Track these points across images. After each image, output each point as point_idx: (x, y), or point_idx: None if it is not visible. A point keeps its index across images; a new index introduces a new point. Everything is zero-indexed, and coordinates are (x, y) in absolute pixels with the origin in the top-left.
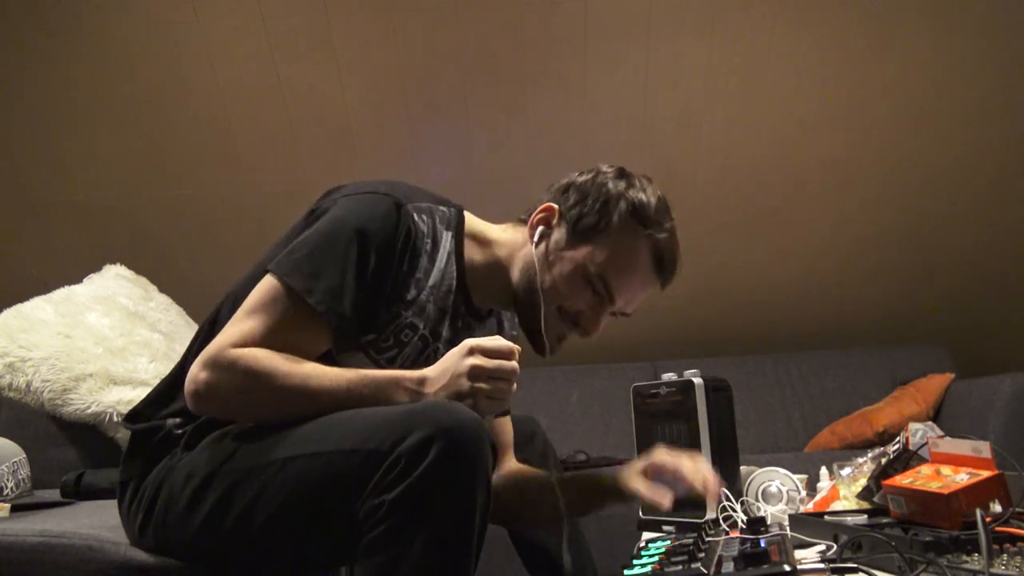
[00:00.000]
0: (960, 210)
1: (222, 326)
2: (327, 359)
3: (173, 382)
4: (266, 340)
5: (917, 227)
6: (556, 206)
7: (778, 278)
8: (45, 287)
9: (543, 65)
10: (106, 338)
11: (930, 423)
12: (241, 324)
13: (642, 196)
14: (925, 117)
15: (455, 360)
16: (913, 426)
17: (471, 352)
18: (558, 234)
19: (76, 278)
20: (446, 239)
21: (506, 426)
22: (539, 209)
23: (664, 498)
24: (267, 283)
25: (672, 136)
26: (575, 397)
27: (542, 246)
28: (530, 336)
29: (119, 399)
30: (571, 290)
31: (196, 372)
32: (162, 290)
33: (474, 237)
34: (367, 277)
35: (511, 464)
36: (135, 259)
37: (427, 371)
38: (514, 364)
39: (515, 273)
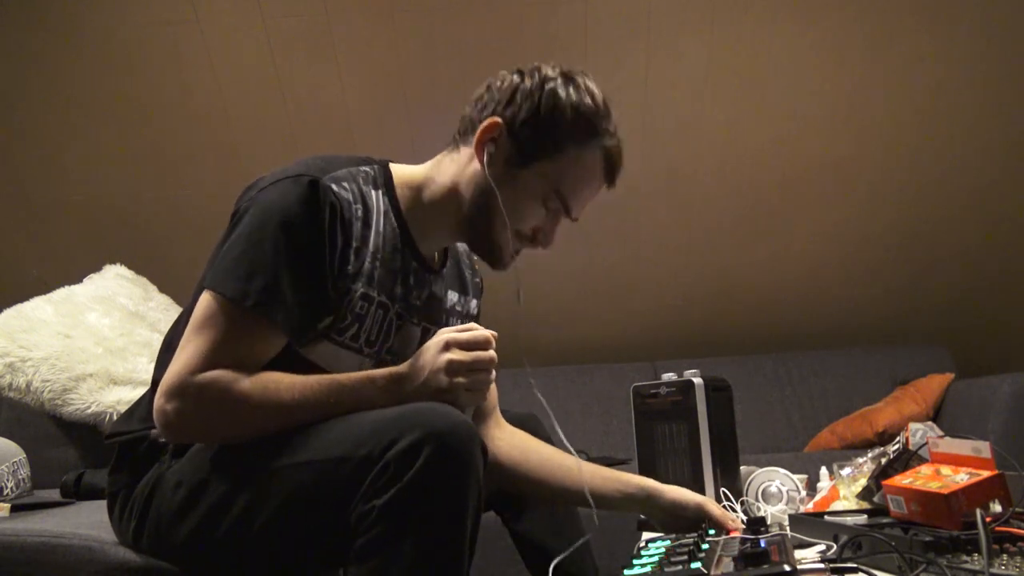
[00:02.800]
0: (960, 210)
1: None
2: (289, 355)
3: (153, 393)
4: (221, 355)
5: (917, 227)
6: (500, 120)
7: (778, 278)
8: (45, 287)
9: None
10: (106, 338)
11: (930, 423)
12: (193, 346)
13: (589, 101)
14: (925, 117)
15: (431, 356)
16: (913, 426)
17: (447, 347)
18: (506, 150)
19: (76, 278)
20: (377, 199)
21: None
22: (483, 127)
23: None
24: (204, 299)
25: (672, 136)
26: (575, 397)
27: (490, 163)
28: (485, 253)
29: (119, 399)
30: (527, 208)
31: (162, 404)
32: (162, 290)
33: (407, 186)
34: (302, 265)
35: (508, 428)
36: (135, 259)
37: (401, 368)
38: (491, 354)
39: (465, 199)
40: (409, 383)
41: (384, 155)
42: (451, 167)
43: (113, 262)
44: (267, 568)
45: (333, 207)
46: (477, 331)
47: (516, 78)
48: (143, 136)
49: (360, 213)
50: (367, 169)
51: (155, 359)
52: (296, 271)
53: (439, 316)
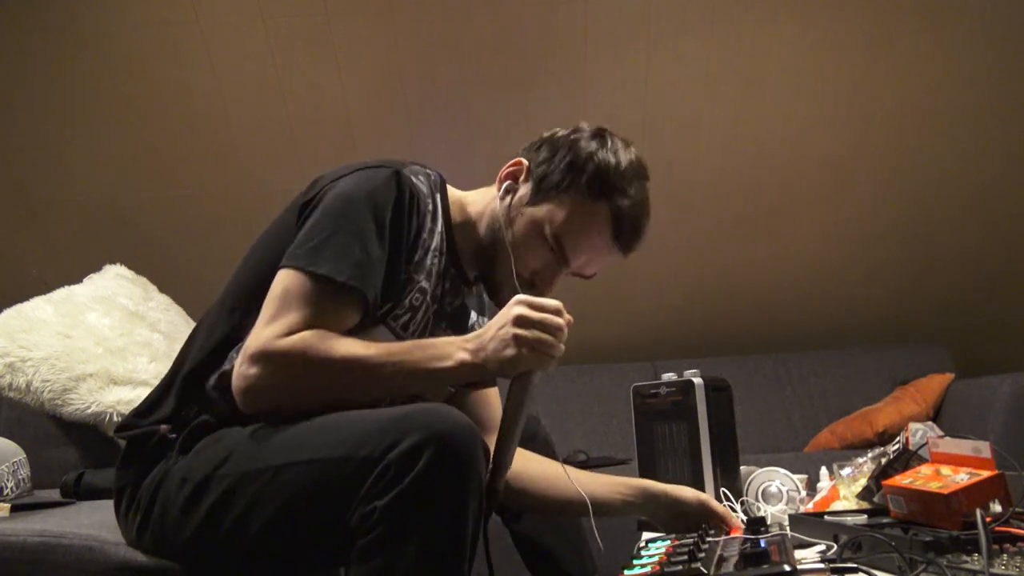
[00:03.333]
0: (960, 210)
1: (219, 329)
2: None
3: (164, 389)
4: (305, 325)
5: (917, 227)
6: (526, 161)
7: (778, 278)
8: (45, 287)
9: (543, 65)
10: (106, 338)
11: (930, 423)
12: (277, 315)
13: (611, 158)
14: (925, 117)
15: (504, 312)
16: (913, 426)
17: (519, 303)
18: (524, 189)
19: (76, 278)
20: (436, 201)
21: (493, 404)
22: (509, 163)
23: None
24: (288, 276)
25: (672, 136)
26: (575, 397)
27: (507, 200)
28: (489, 289)
29: (119, 399)
30: (528, 247)
31: (244, 369)
32: (162, 290)
33: (454, 200)
34: (387, 245)
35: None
36: (135, 259)
37: (477, 331)
38: (560, 321)
39: (481, 228)
40: (482, 339)
41: (384, 155)
42: (484, 197)
43: (113, 262)
44: (267, 566)
45: (412, 195)
46: (550, 299)
47: (555, 131)
48: (143, 136)
49: (429, 208)
50: (430, 172)
51: (154, 358)
52: (382, 251)
53: (462, 328)
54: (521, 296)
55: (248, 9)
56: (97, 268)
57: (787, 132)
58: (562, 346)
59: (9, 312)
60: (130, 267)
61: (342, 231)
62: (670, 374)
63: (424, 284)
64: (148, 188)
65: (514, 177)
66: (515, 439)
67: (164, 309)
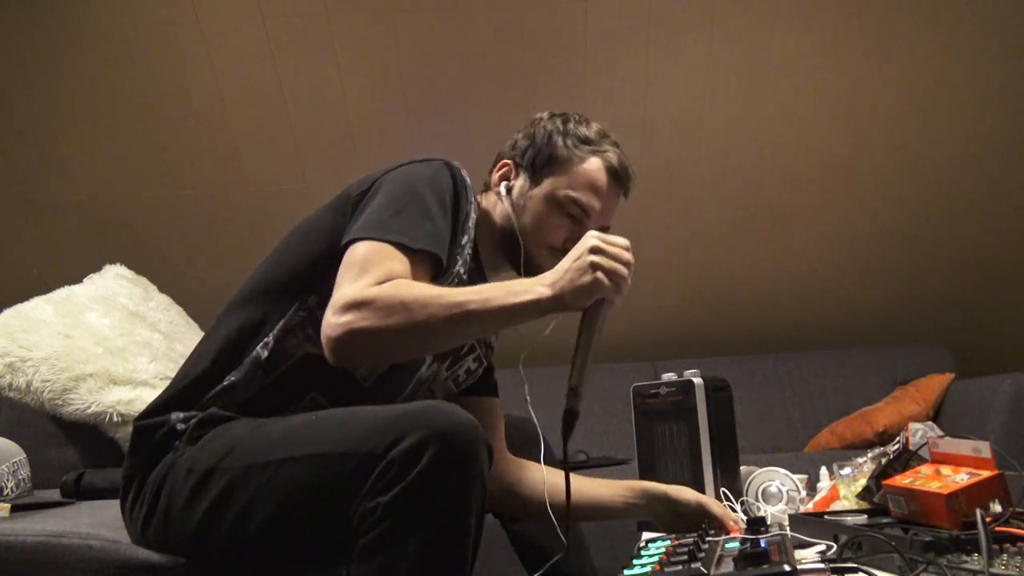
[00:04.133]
0: (960, 210)
1: (247, 306)
2: None
3: (184, 381)
4: (387, 280)
5: (917, 227)
6: (508, 161)
7: (778, 278)
8: (45, 287)
9: (543, 65)
10: (106, 338)
11: (930, 423)
12: (359, 277)
13: (581, 127)
14: (925, 117)
15: (579, 244)
16: (913, 426)
17: (592, 236)
18: (520, 182)
19: (76, 278)
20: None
21: (495, 413)
22: (497, 172)
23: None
24: (363, 246)
25: (672, 136)
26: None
27: (510, 197)
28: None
29: (119, 399)
30: (549, 223)
31: (335, 319)
32: (162, 290)
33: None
34: (449, 221)
35: (508, 458)
36: (135, 259)
37: (549, 271)
38: (630, 256)
39: (495, 232)
40: (557, 272)
41: (384, 155)
42: (486, 207)
43: (113, 262)
44: (269, 562)
45: (463, 184)
46: (620, 237)
47: (518, 133)
48: (143, 136)
49: (472, 199)
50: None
51: (154, 358)
52: (447, 224)
53: None
54: (593, 232)
55: (248, 9)
56: (97, 268)
57: (787, 132)
58: (630, 281)
59: (9, 312)
60: (130, 267)
61: (409, 207)
62: (670, 374)
63: (460, 269)
64: (148, 188)
65: (506, 177)
66: (588, 364)
67: (164, 309)
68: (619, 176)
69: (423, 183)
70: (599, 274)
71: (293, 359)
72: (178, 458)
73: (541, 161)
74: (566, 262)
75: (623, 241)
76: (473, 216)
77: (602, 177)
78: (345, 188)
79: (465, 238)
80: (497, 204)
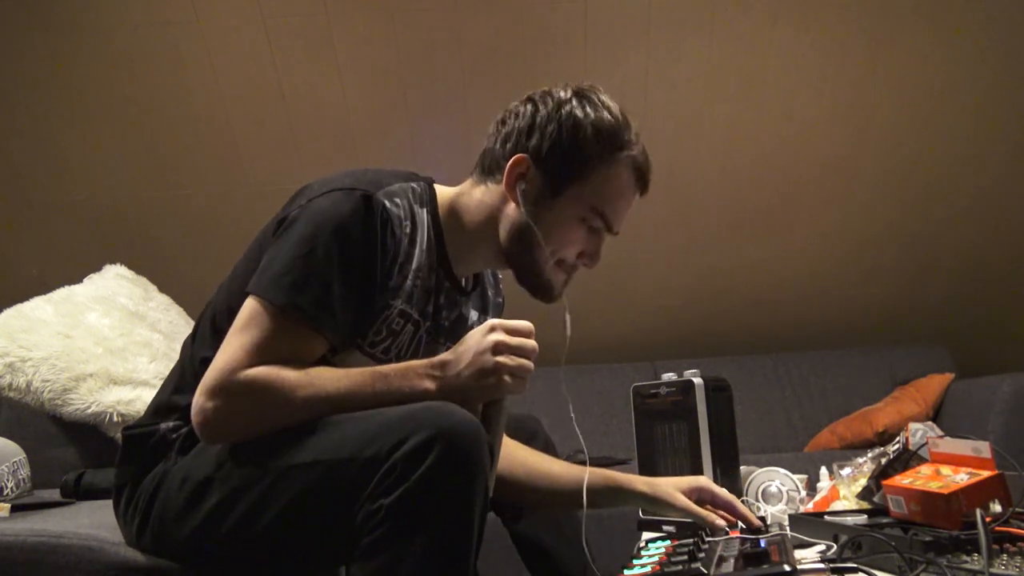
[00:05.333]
0: (960, 210)
1: (207, 343)
2: (323, 363)
3: (169, 390)
4: (266, 356)
5: (917, 227)
6: (525, 155)
7: (778, 278)
8: (45, 287)
9: (543, 65)
10: (106, 338)
11: (930, 423)
12: (237, 345)
13: (608, 116)
14: (925, 117)
15: (477, 339)
16: (913, 426)
17: (493, 329)
18: (537, 184)
19: (76, 278)
20: (423, 217)
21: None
22: (511, 165)
23: (720, 521)
24: (252, 305)
25: (672, 136)
26: (575, 397)
27: (526, 202)
28: (533, 288)
29: (119, 399)
30: (568, 234)
31: (203, 403)
32: (162, 290)
33: (448, 209)
34: (353, 278)
35: (511, 446)
36: (135, 259)
37: (445, 355)
38: (534, 343)
39: (503, 236)
40: (453, 367)
41: (384, 155)
42: (486, 200)
43: (113, 262)
44: (268, 566)
45: (384, 222)
46: (521, 321)
47: (531, 107)
48: (143, 136)
49: (408, 230)
50: (415, 186)
51: (154, 358)
52: (346, 283)
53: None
54: (495, 321)
55: (248, 9)
56: (97, 268)
57: (787, 132)
58: (533, 366)
59: (9, 312)
60: (130, 267)
61: (305, 260)
62: (670, 374)
63: (404, 307)
64: (148, 188)
65: (523, 176)
66: (496, 462)
67: (164, 309)
68: (644, 178)
69: (330, 234)
70: (504, 377)
71: None
72: (171, 467)
73: (566, 164)
74: (465, 354)
75: (526, 327)
76: (423, 238)
77: (630, 184)
78: (278, 213)
79: (397, 278)
80: (506, 205)
